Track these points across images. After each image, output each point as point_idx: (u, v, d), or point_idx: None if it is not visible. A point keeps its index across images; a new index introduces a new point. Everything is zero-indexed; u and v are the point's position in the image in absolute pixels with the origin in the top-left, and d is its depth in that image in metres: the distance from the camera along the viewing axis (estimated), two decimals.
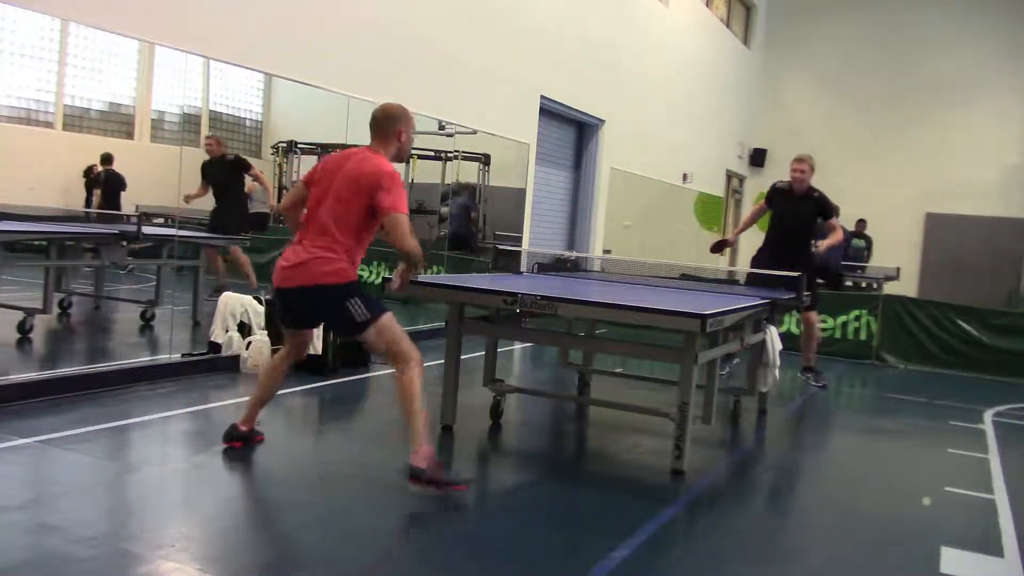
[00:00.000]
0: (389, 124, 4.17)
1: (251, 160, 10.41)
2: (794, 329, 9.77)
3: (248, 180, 8.88)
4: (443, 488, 3.91)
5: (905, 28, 18.60)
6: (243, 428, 4.40)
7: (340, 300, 3.95)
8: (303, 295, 4.02)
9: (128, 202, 8.65)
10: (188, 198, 7.90)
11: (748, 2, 19.42)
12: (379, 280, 10.56)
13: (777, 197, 7.24)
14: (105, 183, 7.98)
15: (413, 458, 3.87)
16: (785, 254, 6.76)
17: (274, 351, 6.44)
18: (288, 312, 4.24)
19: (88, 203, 8.13)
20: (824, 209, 7.07)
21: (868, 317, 9.67)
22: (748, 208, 20.33)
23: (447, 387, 5.16)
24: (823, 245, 6.98)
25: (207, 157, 8.39)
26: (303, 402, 5.86)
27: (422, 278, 7.18)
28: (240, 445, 4.38)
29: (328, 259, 3.95)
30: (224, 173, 8.28)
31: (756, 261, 7.08)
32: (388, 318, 4.04)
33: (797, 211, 7.06)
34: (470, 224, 11.09)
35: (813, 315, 7.24)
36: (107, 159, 7.95)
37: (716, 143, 17.84)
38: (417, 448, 3.89)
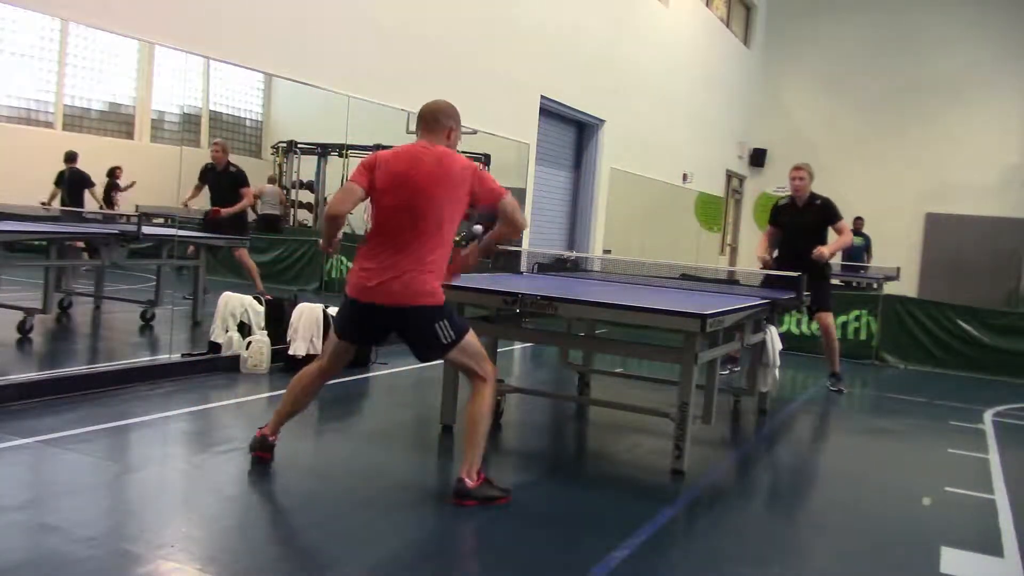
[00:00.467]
0: (441, 121, 4.05)
1: (251, 160, 10.43)
2: (794, 329, 9.78)
3: (262, 183, 8.88)
4: (490, 501, 3.88)
5: (905, 28, 18.61)
6: (272, 438, 4.18)
7: (432, 322, 3.82)
8: (395, 315, 3.82)
9: (128, 202, 8.66)
10: (186, 203, 7.91)
11: (748, 2, 19.42)
12: None
13: (781, 214, 7.34)
14: (68, 182, 7.94)
15: (466, 477, 3.85)
16: (800, 268, 6.69)
17: (274, 351, 6.45)
18: (360, 327, 4.00)
19: (63, 202, 8.10)
20: (829, 215, 7.15)
21: (868, 317, 9.67)
22: (748, 208, 20.36)
23: (447, 387, 5.16)
24: (828, 250, 7.02)
25: (210, 161, 8.38)
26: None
27: None
28: (268, 456, 4.16)
29: (426, 278, 3.78)
30: (224, 185, 8.26)
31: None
32: (471, 337, 3.96)
33: (804, 222, 7.15)
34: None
35: (827, 317, 7.32)
36: (70, 157, 7.91)
37: (716, 143, 17.84)
38: (472, 469, 3.87)
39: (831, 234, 7.21)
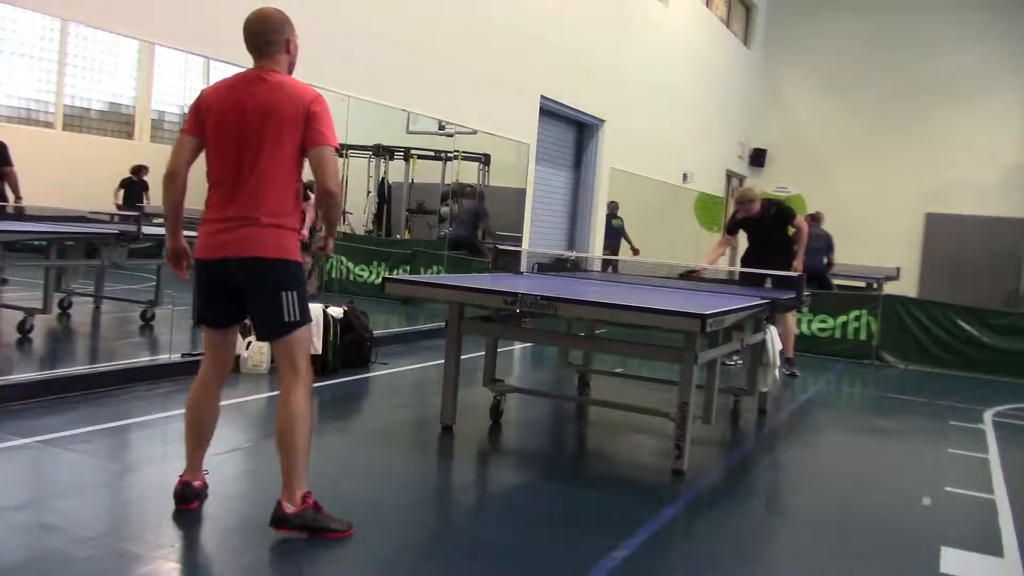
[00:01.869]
0: (275, 35, 3.34)
1: None
2: (793, 329, 9.78)
3: None
4: (320, 532, 3.28)
5: (905, 28, 18.61)
6: (196, 484, 3.56)
7: (278, 287, 3.25)
8: (245, 269, 3.24)
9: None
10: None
11: (748, 2, 19.42)
12: (379, 280, 10.57)
13: (742, 225, 7.81)
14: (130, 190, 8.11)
15: (286, 500, 3.26)
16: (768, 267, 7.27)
17: None
18: (212, 296, 3.37)
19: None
20: (787, 217, 7.73)
21: (868, 317, 9.67)
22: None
23: (447, 387, 5.16)
24: (797, 264, 7.49)
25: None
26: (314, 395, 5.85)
27: (422, 278, 7.23)
28: (196, 505, 3.56)
29: (277, 227, 3.24)
30: None
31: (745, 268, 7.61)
32: (309, 328, 3.47)
33: (764, 229, 7.68)
34: (476, 232, 11.06)
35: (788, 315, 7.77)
36: (137, 171, 8.10)
37: (716, 143, 17.85)
38: (293, 491, 3.26)
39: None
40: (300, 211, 3.36)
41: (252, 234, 3.21)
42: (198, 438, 3.56)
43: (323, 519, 3.29)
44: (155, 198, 8.65)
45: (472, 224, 11.11)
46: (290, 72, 3.42)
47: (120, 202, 8.48)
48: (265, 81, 3.28)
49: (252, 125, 3.22)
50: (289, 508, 3.24)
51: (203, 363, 3.52)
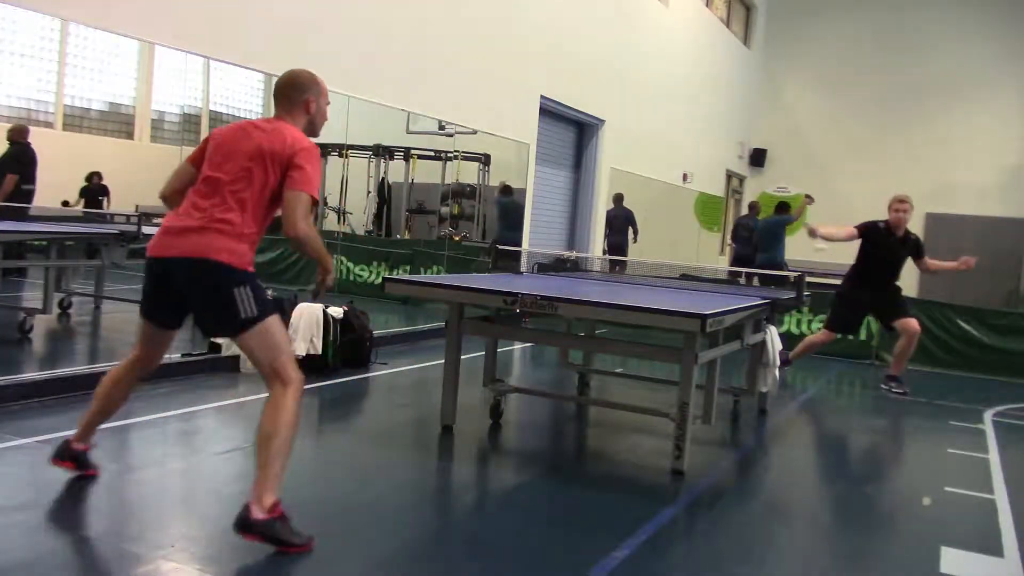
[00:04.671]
0: (294, 93, 3.52)
1: None
2: (794, 329, 9.78)
3: None
4: (281, 545, 3.15)
5: (905, 28, 18.61)
6: (77, 446, 3.65)
7: (229, 286, 3.23)
8: (187, 270, 3.26)
9: (128, 202, 8.66)
10: None
11: (748, 2, 19.42)
12: (379, 280, 10.56)
13: (873, 234, 7.48)
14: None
15: (255, 505, 3.13)
16: (874, 290, 7.35)
17: None
18: (157, 296, 3.42)
19: None
20: (918, 250, 7.50)
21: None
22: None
23: (447, 387, 5.16)
24: (822, 229, 7.32)
25: None
26: (303, 402, 5.85)
27: (422, 278, 7.23)
28: (72, 467, 3.64)
29: (227, 234, 3.24)
30: None
31: (848, 286, 7.63)
32: (276, 321, 3.36)
33: (895, 252, 7.46)
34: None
35: (912, 322, 7.51)
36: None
37: (716, 143, 17.85)
38: (265, 495, 3.14)
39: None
40: (255, 242, 3.36)
41: (206, 239, 3.23)
42: (100, 411, 3.70)
43: (286, 532, 3.16)
44: (114, 202, 8.71)
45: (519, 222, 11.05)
46: (308, 133, 3.51)
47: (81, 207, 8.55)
48: (268, 124, 3.42)
49: (240, 156, 3.31)
50: (258, 514, 3.12)
51: (134, 347, 3.64)
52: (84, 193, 8.60)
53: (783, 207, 12.66)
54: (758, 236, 12.59)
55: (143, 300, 3.49)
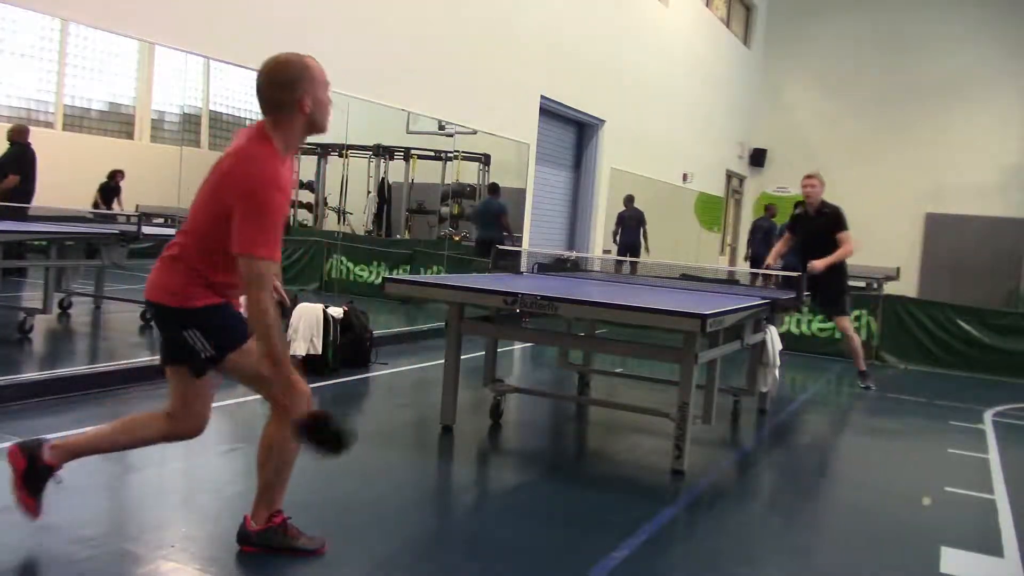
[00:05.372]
0: (282, 94, 2.82)
1: None
2: (794, 329, 9.78)
3: None
4: (289, 552, 3.09)
5: (905, 28, 18.61)
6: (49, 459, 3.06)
7: (177, 328, 2.91)
8: (151, 311, 3.04)
9: (128, 202, 8.67)
10: None
11: (748, 2, 19.42)
12: (379, 280, 10.56)
13: (795, 221, 7.80)
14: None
15: (253, 518, 3.08)
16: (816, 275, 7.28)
17: None
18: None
19: None
20: (837, 223, 7.52)
21: (868, 317, 9.67)
22: (748, 208, 20.35)
23: (447, 387, 5.16)
24: (821, 263, 7.32)
25: None
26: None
27: (422, 278, 7.23)
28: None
29: (171, 271, 2.89)
30: None
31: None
32: (242, 358, 2.92)
33: (810, 228, 7.58)
34: (501, 231, 11.04)
35: (844, 321, 7.87)
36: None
37: (716, 143, 17.85)
38: (262, 506, 3.07)
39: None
40: (204, 279, 2.87)
41: (156, 275, 2.93)
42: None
43: (290, 539, 3.08)
44: (126, 201, 8.71)
45: (498, 223, 11.04)
46: (311, 132, 2.96)
47: (99, 204, 8.54)
48: (236, 151, 2.84)
49: (202, 191, 2.88)
50: (254, 525, 3.07)
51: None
52: (102, 190, 8.59)
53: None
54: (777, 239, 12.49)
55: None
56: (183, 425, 3.10)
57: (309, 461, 4.40)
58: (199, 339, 2.87)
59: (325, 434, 2.84)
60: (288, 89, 2.81)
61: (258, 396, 3.16)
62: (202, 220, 2.83)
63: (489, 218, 11.04)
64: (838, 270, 7.52)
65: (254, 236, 2.70)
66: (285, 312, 6.44)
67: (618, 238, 13.54)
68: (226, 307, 2.95)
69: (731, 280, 7.82)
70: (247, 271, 2.71)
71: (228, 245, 2.74)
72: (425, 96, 8.91)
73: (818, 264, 7.26)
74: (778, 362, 5.96)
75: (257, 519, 3.07)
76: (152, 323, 3.23)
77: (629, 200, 13.54)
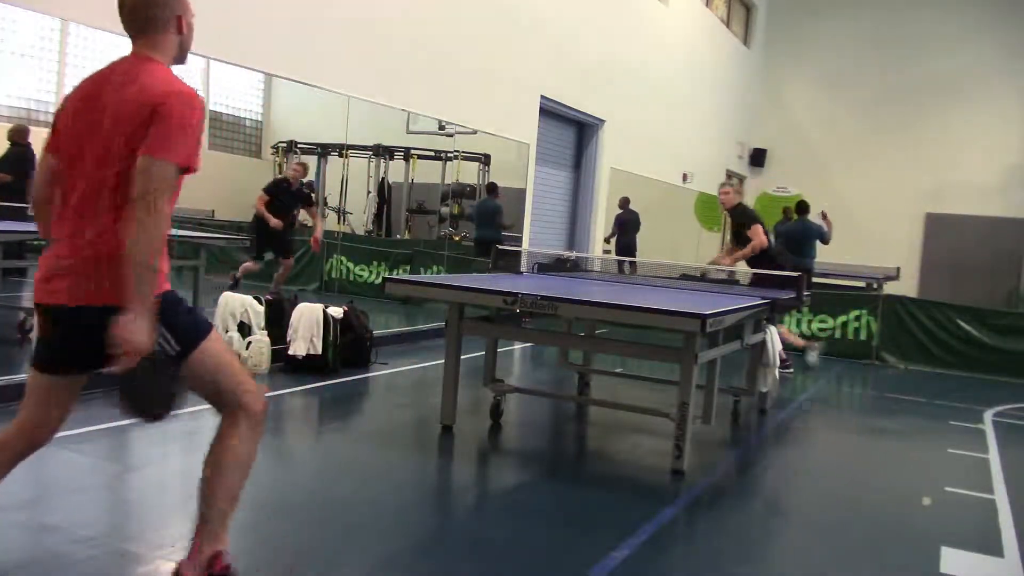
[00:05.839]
0: (158, 11, 2.50)
1: (251, 160, 10.42)
2: (793, 329, 9.78)
3: (262, 183, 9.06)
4: None
5: (905, 28, 18.60)
6: None
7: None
8: (73, 319, 2.41)
9: None
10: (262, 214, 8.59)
11: (748, 2, 19.42)
12: (379, 280, 10.56)
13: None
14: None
15: (187, 562, 2.54)
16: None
17: (274, 351, 6.44)
18: (54, 346, 2.54)
19: None
20: (744, 222, 7.79)
21: (868, 317, 9.67)
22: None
23: (447, 387, 5.16)
24: (729, 259, 7.74)
25: (283, 177, 9.08)
26: (303, 402, 5.87)
27: (422, 278, 7.23)
28: None
29: (108, 260, 2.35)
30: (295, 201, 8.94)
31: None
32: (214, 344, 2.54)
33: (734, 228, 7.98)
34: (499, 231, 11.03)
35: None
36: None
37: (716, 143, 17.84)
38: (208, 546, 2.55)
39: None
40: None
41: (79, 277, 2.38)
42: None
43: None
44: None
45: (494, 222, 11.05)
46: (180, 60, 2.60)
47: None
48: (125, 72, 2.46)
49: (83, 130, 2.43)
50: (189, 572, 2.51)
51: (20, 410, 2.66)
52: None
53: (804, 208, 12.17)
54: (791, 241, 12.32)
55: (39, 347, 2.64)
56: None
57: (309, 462, 4.39)
58: (165, 337, 2.41)
59: (155, 386, 2.35)
60: (162, 5, 2.50)
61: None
62: (117, 179, 2.34)
63: (486, 218, 11.04)
64: (766, 262, 7.55)
65: (170, 139, 2.32)
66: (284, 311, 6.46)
67: (614, 240, 13.50)
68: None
69: (731, 280, 7.82)
70: (156, 176, 2.27)
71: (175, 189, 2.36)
72: (425, 96, 8.91)
73: (726, 260, 7.75)
74: (778, 362, 5.96)
75: (196, 562, 2.52)
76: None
77: (625, 202, 13.51)
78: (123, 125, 2.36)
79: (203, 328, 2.54)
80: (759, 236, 7.62)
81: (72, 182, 2.43)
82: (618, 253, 13.08)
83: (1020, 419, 7.15)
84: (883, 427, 6.70)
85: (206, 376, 2.51)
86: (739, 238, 7.83)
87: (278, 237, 8.80)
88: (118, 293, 2.30)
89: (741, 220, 7.80)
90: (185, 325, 2.48)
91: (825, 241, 10.94)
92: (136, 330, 2.27)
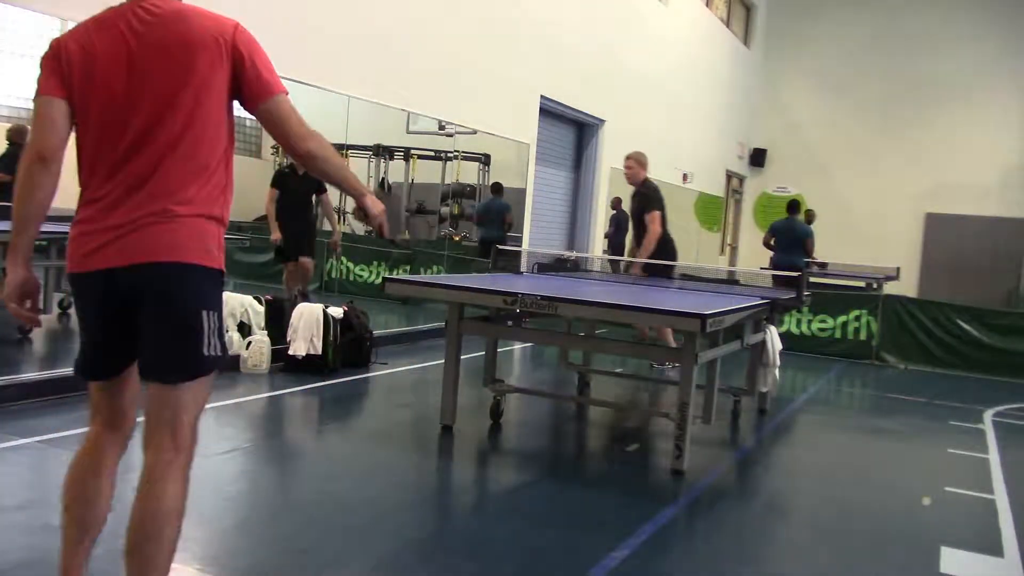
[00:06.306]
0: None
1: (251, 160, 10.42)
2: (794, 329, 9.78)
3: (262, 183, 8.95)
4: None
5: (905, 28, 18.61)
6: None
7: (198, 302, 2.21)
8: (136, 280, 2.18)
9: None
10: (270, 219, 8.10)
11: (748, 2, 19.42)
12: (379, 280, 10.56)
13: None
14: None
15: None
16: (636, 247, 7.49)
17: (274, 351, 6.43)
18: (99, 326, 2.45)
19: None
20: (643, 206, 7.38)
21: (868, 317, 9.67)
22: (748, 208, 20.35)
23: (447, 387, 5.16)
24: (644, 256, 7.28)
25: (286, 166, 8.50)
26: (303, 402, 5.87)
27: (422, 278, 7.23)
28: None
29: (196, 218, 2.19)
30: (307, 187, 8.14)
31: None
32: (211, 381, 2.36)
33: (633, 209, 7.60)
34: (506, 228, 11.00)
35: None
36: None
37: (716, 143, 17.84)
38: None
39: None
40: (228, 195, 2.30)
41: (156, 232, 2.16)
42: (81, 529, 2.49)
43: None
44: None
45: (503, 222, 11.01)
46: None
47: None
48: (157, 10, 2.20)
49: (141, 76, 2.16)
50: None
51: (91, 426, 2.57)
52: None
53: (794, 207, 12.08)
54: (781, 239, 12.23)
55: (82, 342, 2.65)
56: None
57: (309, 462, 4.39)
58: (215, 333, 2.23)
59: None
60: None
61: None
62: (203, 128, 2.18)
63: (493, 217, 11.03)
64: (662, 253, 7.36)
65: (274, 74, 2.27)
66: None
67: (610, 240, 13.49)
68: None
69: (731, 280, 7.81)
70: (292, 112, 2.27)
71: (231, 139, 2.28)
72: (425, 96, 8.90)
73: (642, 254, 7.28)
74: (778, 362, 5.97)
75: None
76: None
77: (617, 202, 13.49)
78: (190, 62, 2.14)
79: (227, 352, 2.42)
80: (655, 224, 7.19)
81: (111, 139, 2.19)
82: (612, 253, 13.07)
83: (1020, 419, 7.15)
84: (883, 427, 6.70)
85: (203, 398, 2.36)
86: (640, 225, 7.33)
87: (304, 232, 8.24)
88: (180, 251, 2.16)
89: (643, 203, 7.30)
90: (224, 339, 2.35)
91: (807, 250, 10.88)
92: (377, 201, 2.48)
